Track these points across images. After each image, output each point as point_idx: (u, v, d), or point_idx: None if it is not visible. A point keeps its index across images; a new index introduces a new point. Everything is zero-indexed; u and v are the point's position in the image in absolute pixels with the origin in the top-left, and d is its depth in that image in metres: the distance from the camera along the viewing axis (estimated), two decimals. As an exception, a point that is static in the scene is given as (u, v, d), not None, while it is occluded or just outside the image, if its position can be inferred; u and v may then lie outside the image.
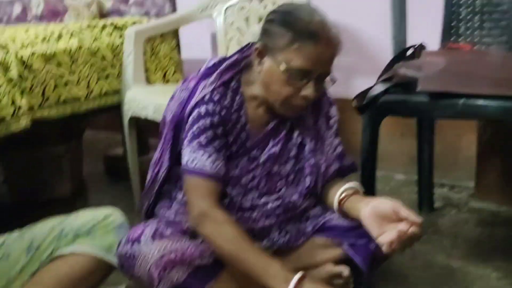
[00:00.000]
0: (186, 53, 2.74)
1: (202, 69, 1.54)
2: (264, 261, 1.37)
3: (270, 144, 1.53)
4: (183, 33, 2.70)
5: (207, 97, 1.47)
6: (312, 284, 1.34)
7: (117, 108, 2.47)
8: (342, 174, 1.62)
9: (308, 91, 1.42)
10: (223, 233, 1.40)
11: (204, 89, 1.48)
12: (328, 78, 1.46)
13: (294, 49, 1.39)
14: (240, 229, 1.42)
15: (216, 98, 1.47)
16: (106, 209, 1.57)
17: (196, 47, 2.86)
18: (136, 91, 2.25)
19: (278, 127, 1.54)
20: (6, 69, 1.88)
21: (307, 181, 1.55)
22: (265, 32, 1.47)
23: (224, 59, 1.54)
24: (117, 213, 1.56)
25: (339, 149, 1.61)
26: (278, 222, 1.54)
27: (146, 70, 2.41)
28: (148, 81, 2.44)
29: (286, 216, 1.55)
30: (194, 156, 1.45)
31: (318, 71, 1.41)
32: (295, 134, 1.56)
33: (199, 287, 1.42)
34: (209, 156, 1.44)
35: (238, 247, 1.38)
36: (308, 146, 1.56)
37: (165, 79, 2.52)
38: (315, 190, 1.58)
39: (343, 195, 1.52)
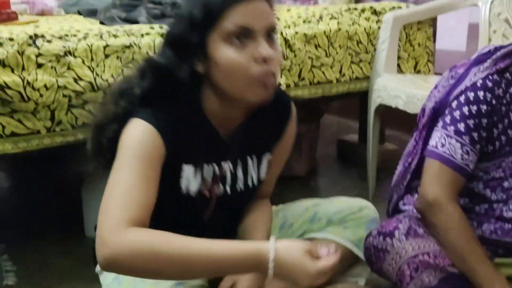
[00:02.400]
0: (439, 43, 2.60)
1: (475, 56, 1.43)
2: (491, 271, 1.28)
3: None
4: (438, 22, 2.57)
5: (479, 82, 1.35)
6: None
7: (357, 95, 2.45)
8: None
9: None
10: (456, 229, 1.31)
11: (477, 75, 1.37)
12: None
13: None
14: (473, 231, 1.34)
15: (489, 85, 1.34)
16: (360, 200, 1.56)
17: (450, 38, 2.71)
18: (388, 79, 2.19)
19: None
20: (272, 46, 1.96)
21: None
22: None
23: (500, 47, 1.40)
24: (371, 207, 1.54)
25: None
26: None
27: (398, 57, 2.34)
28: (399, 69, 2.37)
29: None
30: (447, 141, 1.35)
31: None
32: None
33: (449, 296, 1.35)
34: (463, 146, 1.34)
35: (468, 248, 1.30)
36: None
37: (415, 69, 2.42)
38: None
39: None
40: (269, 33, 1.16)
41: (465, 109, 1.35)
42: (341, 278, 1.56)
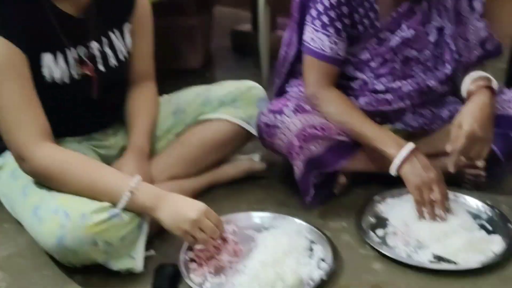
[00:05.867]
0: None
1: None
2: (376, 128, 1.43)
3: (403, 27, 1.46)
4: None
5: None
6: (423, 157, 1.37)
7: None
8: (484, 60, 1.55)
9: None
10: (335, 105, 1.46)
11: None
12: None
13: None
14: (351, 103, 1.48)
15: None
16: (248, 82, 1.62)
17: None
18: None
19: (412, 9, 1.46)
20: None
21: (447, 67, 1.50)
22: None
23: None
24: (259, 87, 1.62)
25: (483, 33, 1.51)
26: (413, 105, 1.52)
27: None
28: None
29: (421, 100, 1.52)
30: (314, 36, 1.45)
31: None
32: (433, 17, 1.47)
33: (334, 162, 1.48)
34: (329, 37, 1.43)
35: (350, 117, 1.44)
36: (448, 31, 1.48)
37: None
38: (455, 77, 1.52)
39: (471, 87, 1.44)
40: None
41: (326, 2, 1.41)
42: (236, 156, 1.65)
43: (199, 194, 1.50)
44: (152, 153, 1.51)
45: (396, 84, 1.49)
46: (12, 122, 1.21)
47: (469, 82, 1.45)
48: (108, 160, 1.44)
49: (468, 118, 1.35)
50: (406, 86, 1.49)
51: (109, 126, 1.50)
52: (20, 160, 1.22)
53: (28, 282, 1.26)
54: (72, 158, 1.23)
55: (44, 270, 1.28)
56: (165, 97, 1.62)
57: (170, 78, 2.14)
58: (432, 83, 1.50)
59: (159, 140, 1.55)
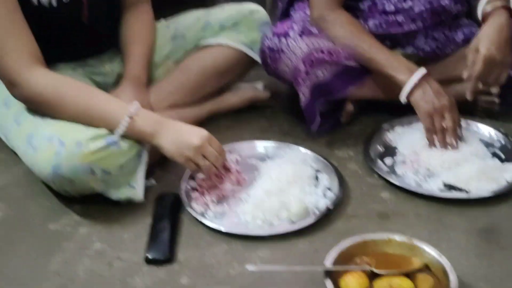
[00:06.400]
0: None
1: None
2: (386, 53, 1.36)
3: None
4: None
5: None
6: (435, 83, 1.31)
7: None
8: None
9: None
10: (344, 29, 1.38)
11: None
12: None
13: None
14: (360, 26, 1.40)
15: None
16: (251, 5, 1.54)
17: None
18: None
19: None
20: None
21: (461, -17, 1.42)
22: None
23: None
24: (262, 11, 1.54)
25: None
26: (425, 27, 1.45)
27: None
28: None
29: (434, 21, 1.45)
30: None
31: None
32: None
33: (342, 88, 1.41)
34: None
35: (360, 41, 1.37)
36: None
37: None
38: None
39: (487, 8, 1.36)
40: None
41: None
42: (239, 84, 1.59)
43: (200, 123, 1.43)
44: (150, 81, 1.45)
45: (407, 3, 1.41)
46: (1, 47, 1.14)
47: (485, 2, 1.37)
48: (105, 88, 1.37)
49: (485, 42, 1.28)
50: (418, 5, 1.41)
51: (104, 52, 1.43)
52: (12, 86, 1.16)
53: (25, 211, 1.23)
54: (67, 83, 1.17)
55: (41, 199, 1.25)
56: (163, 22, 1.54)
57: (168, 6, 2.06)
58: (445, 2, 1.42)
59: (158, 67, 1.49)
